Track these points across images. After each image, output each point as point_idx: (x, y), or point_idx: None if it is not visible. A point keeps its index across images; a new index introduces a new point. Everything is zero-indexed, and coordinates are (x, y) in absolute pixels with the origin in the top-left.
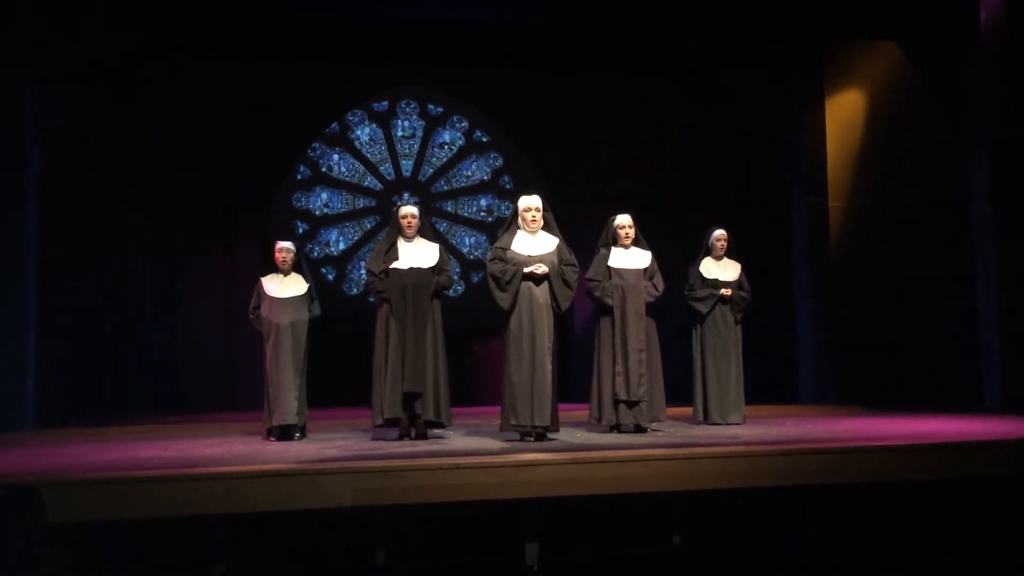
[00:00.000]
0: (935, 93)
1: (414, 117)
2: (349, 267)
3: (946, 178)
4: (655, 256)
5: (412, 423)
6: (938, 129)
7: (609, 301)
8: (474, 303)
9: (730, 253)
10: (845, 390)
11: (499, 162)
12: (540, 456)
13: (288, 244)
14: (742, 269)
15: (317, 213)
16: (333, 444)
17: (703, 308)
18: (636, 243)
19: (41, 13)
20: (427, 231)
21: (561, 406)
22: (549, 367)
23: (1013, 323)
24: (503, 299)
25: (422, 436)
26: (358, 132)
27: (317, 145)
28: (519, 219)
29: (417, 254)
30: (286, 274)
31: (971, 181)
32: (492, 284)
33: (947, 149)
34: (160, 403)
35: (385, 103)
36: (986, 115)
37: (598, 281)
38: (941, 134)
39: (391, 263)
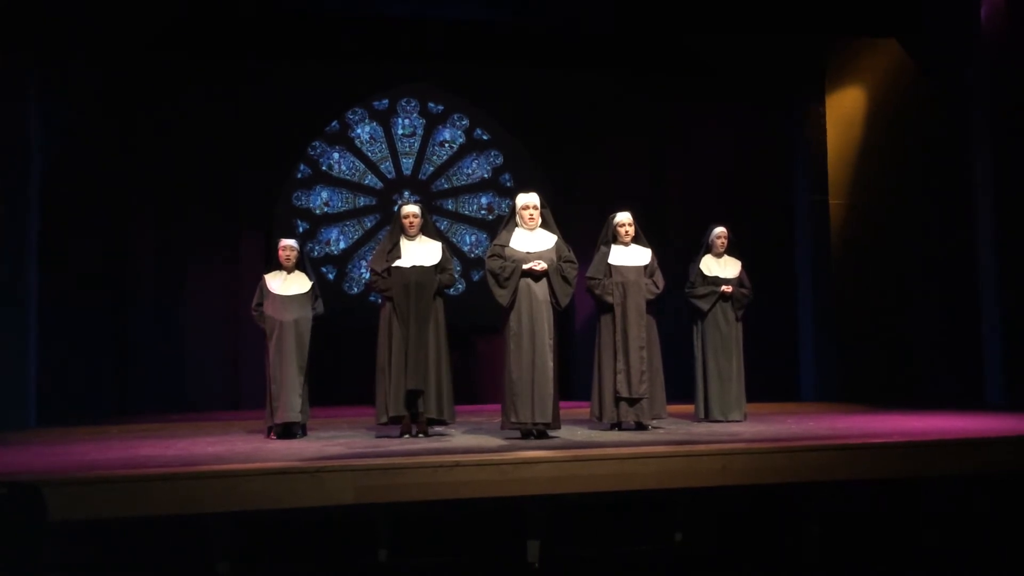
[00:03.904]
0: (937, 90)
1: (414, 115)
2: (349, 266)
3: (948, 175)
4: (655, 253)
5: (415, 421)
6: (939, 126)
7: (609, 299)
8: (475, 301)
9: (731, 250)
10: (846, 387)
11: (499, 160)
12: (541, 454)
13: (292, 242)
14: (743, 266)
15: (317, 212)
16: (335, 442)
17: (704, 306)
18: (636, 240)
19: (44, 11)
20: (430, 229)
21: (562, 404)
22: (550, 363)
23: (1015, 319)
24: (502, 296)
25: (424, 433)
26: (358, 130)
27: (317, 144)
28: (517, 217)
29: (420, 252)
30: (289, 272)
31: (973, 177)
32: (491, 281)
33: (949, 146)
34: (162, 402)
35: (385, 101)
36: (988, 111)
37: (598, 279)
38: (942, 131)
39: (394, 262)
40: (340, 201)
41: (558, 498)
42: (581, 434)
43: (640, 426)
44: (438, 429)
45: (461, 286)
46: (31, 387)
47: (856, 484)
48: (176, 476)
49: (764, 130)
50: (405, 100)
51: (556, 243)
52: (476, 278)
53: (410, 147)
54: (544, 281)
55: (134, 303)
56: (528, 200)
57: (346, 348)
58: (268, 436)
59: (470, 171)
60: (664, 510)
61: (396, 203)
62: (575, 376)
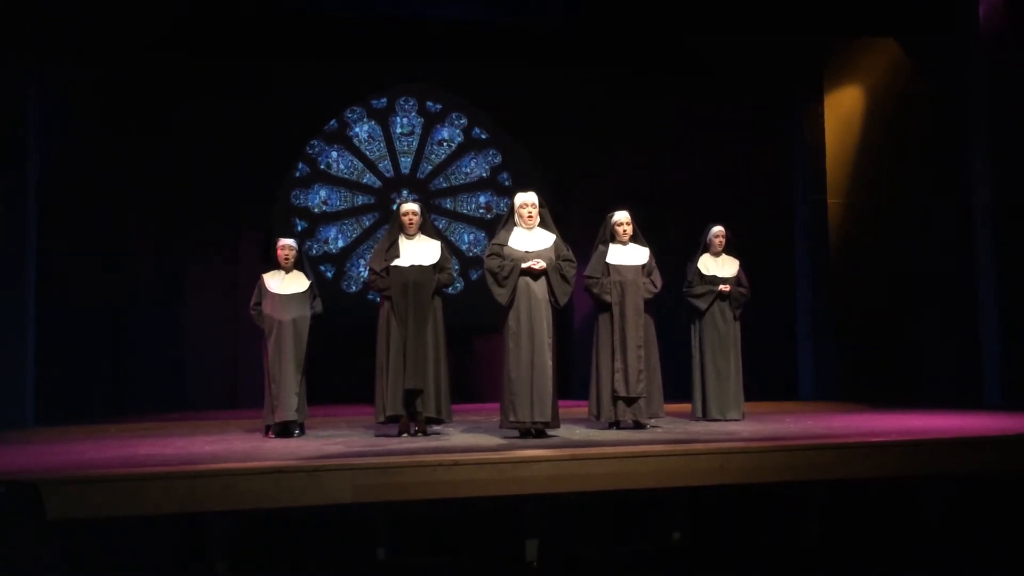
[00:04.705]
0: (935, 90)
1: (413, 114)
2: (348, 264)
3: (947, 173)
4: (653, 252)
5: (413, 420)
6: (938, 125)
7: (607, 298)
8: (474, 300)
9: (728, 249)
10: (844, 386)
11: (498, 159)
12: (539, 452)
13: (290, 241)
14: (741, 265)
15: (316, 211)
16: (333, 441)
17: (701, 304)
18: (634, 239)
19: (43, 12)
20: (429, 228)
21: (560, 403)
22: (549, 362)
23: (1014, 318)
24: (501, 294)
25: (423, 432)
26: (357, 129)
27: (316, 142)
28: (515, 215)
29: (418, 251)
30: (288, 271)
31: (971, 176)
32: (490, 280)
33: (947, 145)
34: (160, 401)
35: (384, 100)
36: (986, 111)
37: (596, 278)
38: (941, 130)
39: (392, 261)
40: (338, 200)
41: (557, 497)
42: (579, 433)
43: (638, 425)
44: (436, 428)
45: (459, 285)
46: (29, 386)
47: (854, 483)
48: (174, 475)
49: (763, 130)
50: (404, 99)
51: (555, 242)
52: (475, 277)
53: (408, 146)
54: (543, 280)
55: (133, 302)
56: (526, 199)
57: (345, 347)
58: (266, 435)
59: (468, 170)
60: (662, 509)
61: (395, 202)
62: (573, 375)
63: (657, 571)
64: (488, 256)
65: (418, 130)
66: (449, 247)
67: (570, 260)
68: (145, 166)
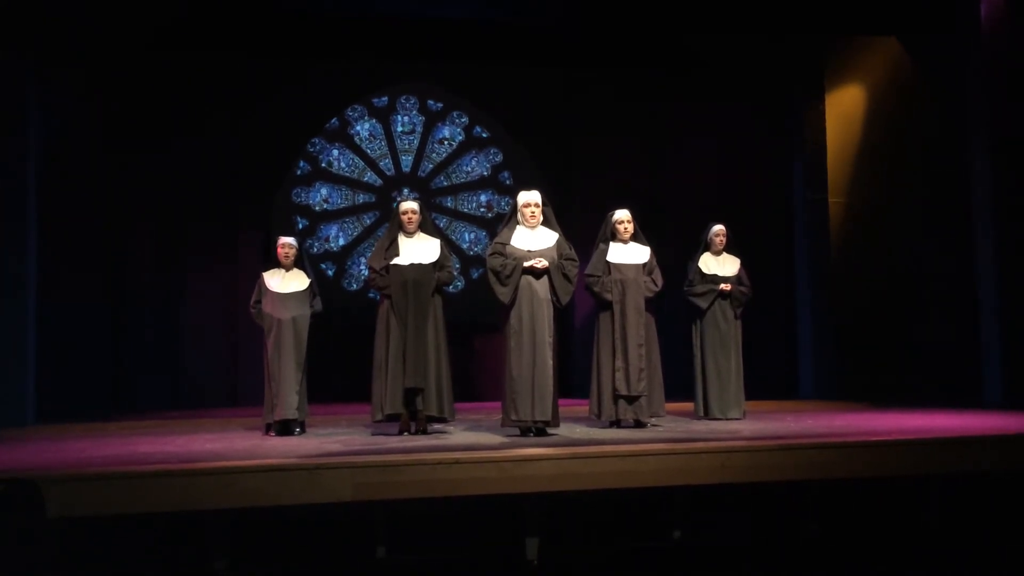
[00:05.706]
0: (936, 89)
1: (414, 113)
2: (349, 263)
3: (947, 173)
4: (654, 251)
5: (413, 418)
6: (939, 124)
7: (608, 296)
8: (474, 299)
9: (729, 248)
10: (845, 385)
11: (499, 158)
12: (540, 451)
13: (290, 240)
14: (742, 264)
15: (317, 209)
16: (333, 439)
17: (702, 303)
18: (635, 238)
19: (43, 12)
20: (428, 226)
21: (561, 401)
22: (550, 361)
23: (1014, 318)
24: (503, 293)
25: (423, 431)
26: (358, 127)
27: (317, 140)
28: (518, 214)
29: (418, 250)
30: (288, 269)
31: (972, 175)
32: (492, 279)
33: (948, 144)
34: (160, 399)
35: (385, 99)
36: (986, 111)
37: (597, 276)
38: (942, 129)
39: (392, 259)
40: (339, 198)
41: (557, 495)
42: (580, 432)
43: (639, 424)
44: (437, 427)
45: (460, 283)
46: (30, 384)
47: (855, 482)
48: (174, 473)
49: (764, 129)
50: (404, 97)
51: (557, 241)
52: (475, 276)
53: (409, 144)
54: (545, 279)
55: (133, 301)
56: (529, 198)
57: (345, 345)
58: (266, 433)
59: (469, 168)
60: (663, 507)
61: (395, 200)
62: (574, 374)
63: (657, 570)
64: (490, 255)
65: (419, 128)
66: (450, 246)
67: (572, 259)
68: (145, 166)
